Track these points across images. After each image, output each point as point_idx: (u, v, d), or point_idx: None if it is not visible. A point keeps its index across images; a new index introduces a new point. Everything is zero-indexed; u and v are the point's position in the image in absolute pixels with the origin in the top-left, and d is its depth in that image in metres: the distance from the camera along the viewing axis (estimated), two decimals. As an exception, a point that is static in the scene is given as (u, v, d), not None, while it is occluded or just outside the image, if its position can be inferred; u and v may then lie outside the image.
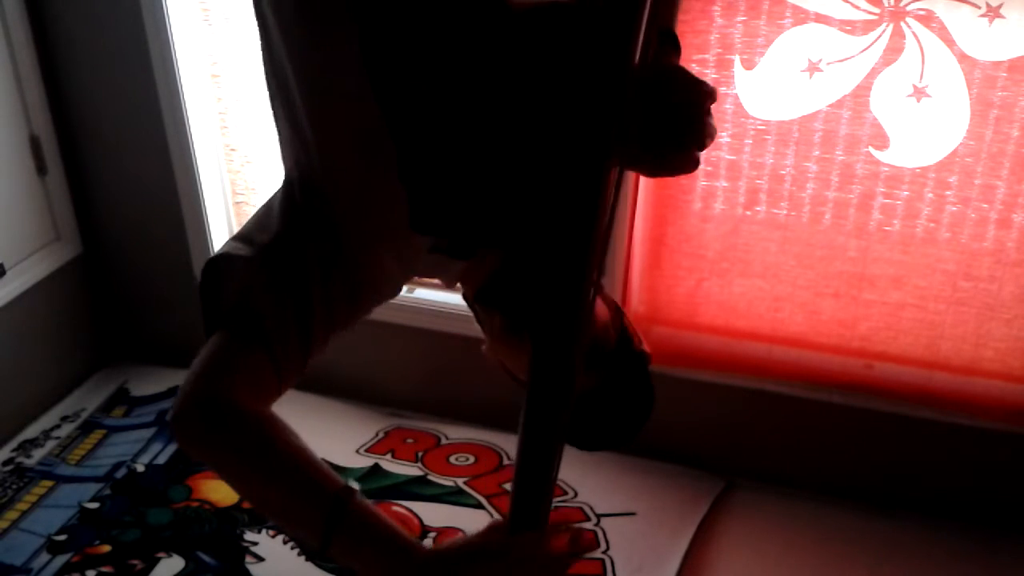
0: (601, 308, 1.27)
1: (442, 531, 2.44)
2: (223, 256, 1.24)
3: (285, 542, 2.40)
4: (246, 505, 2.51)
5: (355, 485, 2.58)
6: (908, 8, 2.02)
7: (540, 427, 1.14)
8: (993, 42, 2.00)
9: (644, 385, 1.33)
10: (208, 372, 1.15)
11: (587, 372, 1.22)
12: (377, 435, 2.74)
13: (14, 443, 2.75)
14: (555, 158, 1.14)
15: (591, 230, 1.10)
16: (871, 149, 2.17)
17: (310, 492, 1.13)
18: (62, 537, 2.42)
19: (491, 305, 1.29)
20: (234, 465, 1.14)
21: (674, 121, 1.10)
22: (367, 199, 1.23)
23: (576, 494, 2.55)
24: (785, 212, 2.28)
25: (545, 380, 1.13)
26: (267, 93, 1.28)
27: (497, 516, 2.49)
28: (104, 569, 2.33)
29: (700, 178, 2.30)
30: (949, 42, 2.02)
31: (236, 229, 2.89)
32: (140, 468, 2.65)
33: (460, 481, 2.60)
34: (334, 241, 1.23)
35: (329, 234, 1.23)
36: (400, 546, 1.13)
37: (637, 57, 1.07)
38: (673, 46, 1.21)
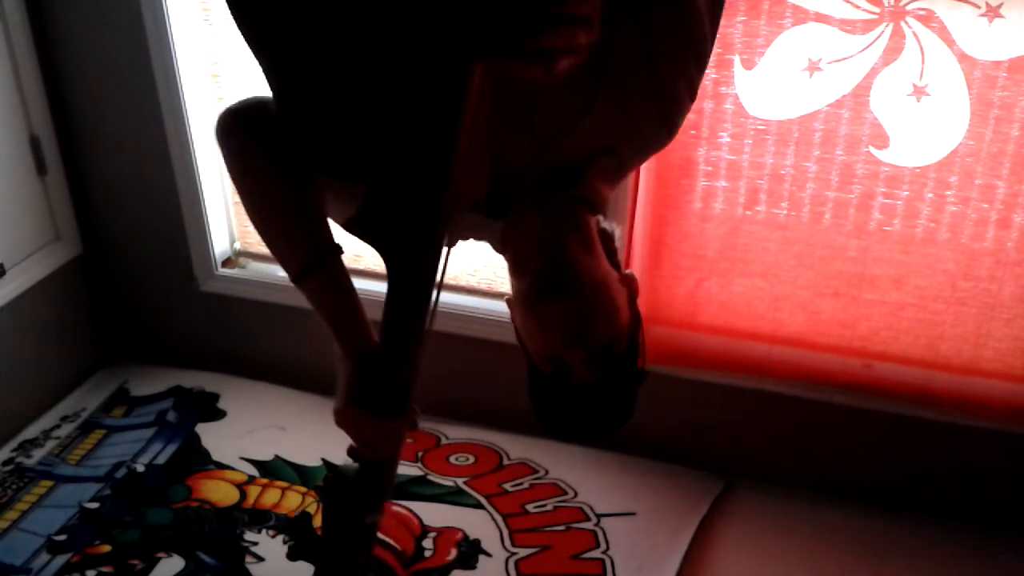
0: (624, 313, 1.27)
1: (442, 531, 2.44)
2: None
3: (285, 542, 2.40)
4: (246, 505, 2.51)
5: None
6: (908, 7, 2.02)
7: (398, 329, 1.26)
8: (993, 42, 2.00)
9: (629, 398, 1.35)
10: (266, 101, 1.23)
11: (592, 367, 1.23)
12: (377, 435, 2.74)
13: (14, 443, 2.75)
14: (415, 69, 1.12)
15: (451, 135, 1.11)
16: (871, 149, 2.17)
17: (307, 233, 1.28)
18: (62, 537, 2.42)
19: (358, 235, 1.31)
20: (257, 178, 1.26)
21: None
22: None
23: (576, 494, 2.55)
24: (785, 212, 2.28)
25: (401, 297, 1.23)
26: None
27: (497, 516, 2.49)
28: (104, 569, 2.33)
29: (700, 178, 2.30)
30: (949, 42, 2.02)
31: (236, 229, 2.91)
32: (140, 468, 2.65)
33: (460, 481, 2.60)
34: None
35: None
36: (350, 320, 1.33)
37: None
38: None
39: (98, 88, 2.73)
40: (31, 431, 2.80)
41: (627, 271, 1.35)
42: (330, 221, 1.32)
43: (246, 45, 1.19)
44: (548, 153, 1.23)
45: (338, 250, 1.30)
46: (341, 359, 1.34)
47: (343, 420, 1.35)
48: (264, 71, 1.20)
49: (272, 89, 1.20)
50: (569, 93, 1.16)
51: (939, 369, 2.32)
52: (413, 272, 1.21)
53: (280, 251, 1.32)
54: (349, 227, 1.28)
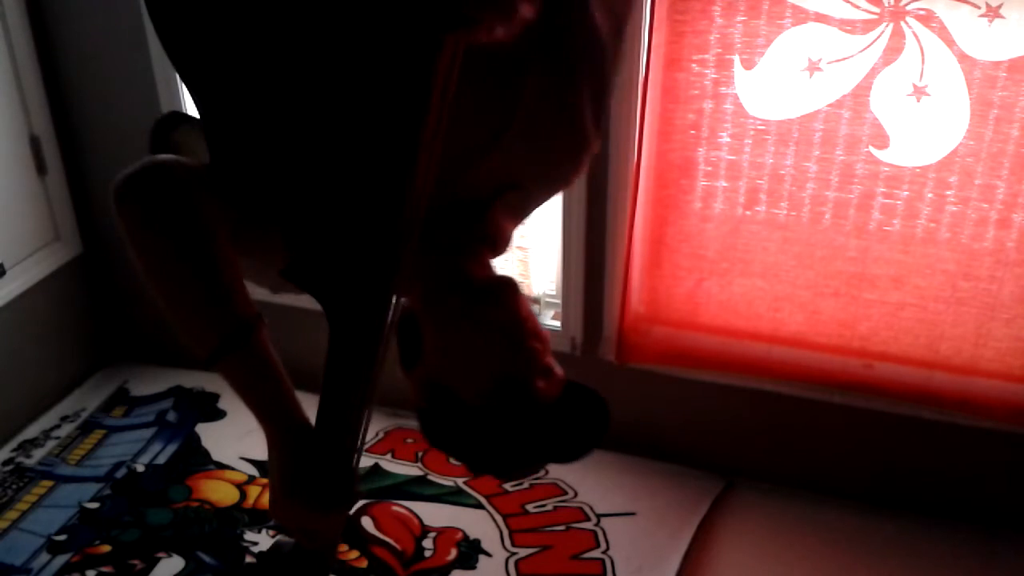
0: (545, 335, 1.21)
1: (442, 531, 2.44)
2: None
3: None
4: (246, 505, 2.51)
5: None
6: (908, 8, 2.02)
7: (340, 394, 1.18)
8: (993, 42, 2.00)
9: (593, 431, 1.23)
10: (170, 160, 1.11)
11: (546, 375, 1.17)
12: (377, 435, 2.74)
13: (14, 443, 2.75)
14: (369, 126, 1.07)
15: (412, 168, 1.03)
16: (871, 149, 2.17)
17: (220, 305, 1.11)
18: (62, 537, 2.42)
19: (295, 283, 1.22)
20: (161, 248, 1.08)
21: None
22: None
23: (576, 494, 2.55)
24: (785, 212, 2.28)
25: (346, 355, 1.15)
26: None
27: (497, 516, 2.49)
28: (104, 569, 2.33)
29: (700, 178, 2.30)
30: (949, 42, 2.02)
31: (236, 229, 2.91)
32: (140, 468, 2.65)
33: (460, 481, 2.60)
34: None
35: None
36: (277, 400, 1.17)
37: None
38: None
39: (98, 88, 2.73)
40: (31, 431, 2.80)
41: None
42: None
43: (181, 79, 1.15)
44: (448, 187, 1.18)
45: (259, 321, 1.14)
46: (270, 445, 1.18)
47: (283, 516, 1.20)
48: (196, 101, 1.13)
49: (204, 116, 1.13)
50: (469, 129, 1.11)
51: (939, 369, 2.32)
52: (362, 322, 1.10)
53: (191, 330, 1.15)
54: (284, 275, 1.19)
